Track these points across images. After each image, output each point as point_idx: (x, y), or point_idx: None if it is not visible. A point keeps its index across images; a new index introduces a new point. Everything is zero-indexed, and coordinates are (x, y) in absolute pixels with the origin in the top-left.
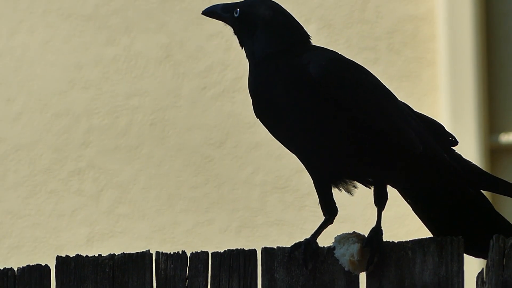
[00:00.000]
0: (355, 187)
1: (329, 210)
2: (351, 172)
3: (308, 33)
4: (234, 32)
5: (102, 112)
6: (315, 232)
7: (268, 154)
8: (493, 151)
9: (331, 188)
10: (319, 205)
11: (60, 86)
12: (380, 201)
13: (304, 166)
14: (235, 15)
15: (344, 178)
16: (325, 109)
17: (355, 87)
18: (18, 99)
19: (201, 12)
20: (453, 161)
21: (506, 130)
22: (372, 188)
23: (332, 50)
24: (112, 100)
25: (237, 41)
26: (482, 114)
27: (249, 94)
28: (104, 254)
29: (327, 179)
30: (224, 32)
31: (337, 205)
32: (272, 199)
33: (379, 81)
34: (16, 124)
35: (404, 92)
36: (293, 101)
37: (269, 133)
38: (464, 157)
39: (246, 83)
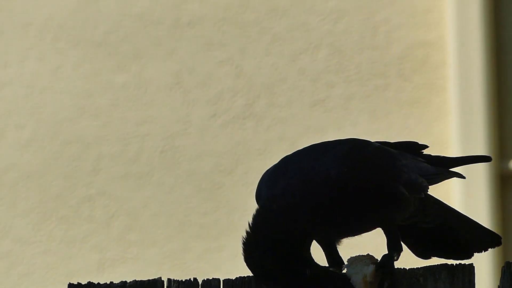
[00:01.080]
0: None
1: (336, 264)
2: (362, 232)
3: None
4: None
5: (112, 139)
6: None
7: None
8: (503, 177)
9: (336, 245)
10: (327, 262)
11: (70, 113)
12: (393, 249)
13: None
14: None
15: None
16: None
17: (367, 172)
18: (28, 126)
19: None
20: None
21: None
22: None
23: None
24: (122, 127)
25: None
26: (492, 140)
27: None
28: (115, 280)
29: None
30: (234, 58)
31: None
32: None
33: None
34: (26, 151)
35: (414, 118)
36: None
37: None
38: (430, 155)
39: (256, 110)
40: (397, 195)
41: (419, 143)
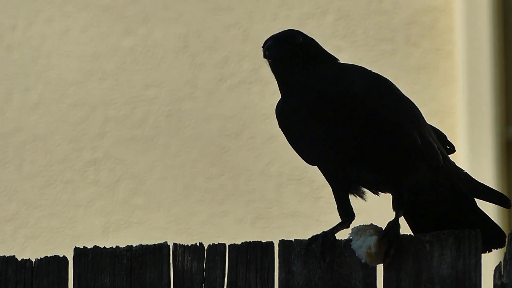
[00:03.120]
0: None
1: (347, 214)
2: (372, 181)
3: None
4: (290, 62)
5: (118, 102)
6: (333, 227)
7: (284, 146)
8: (510, 143)
9: (348, 195)
10: (337, 211)
11: (77, 76)
12: (398, 207)
13: (324, 175)
14: (298, 41)
15: (361, 187)
16: (365, 121)
17: (393, 101)
18: (35, 89)
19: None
20: (458, 171)
21: None
22: (379, 194)
23: (363, 67)
24: (129, 91)
25: (288, 71)
26: (499, 106)
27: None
28: (120, 244)
29: (346, 187)
30: (242, 22)
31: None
32: (288, 191)
33: (407, 97)
34: (33, 114)
35: (421, 84)
36: (335, 114)
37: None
38: (456, 165)
39: (263, 74)
40: (408, 137)
41: (447, 138)
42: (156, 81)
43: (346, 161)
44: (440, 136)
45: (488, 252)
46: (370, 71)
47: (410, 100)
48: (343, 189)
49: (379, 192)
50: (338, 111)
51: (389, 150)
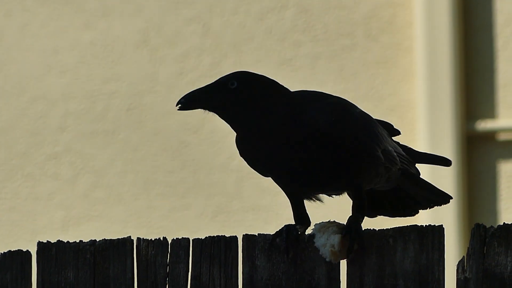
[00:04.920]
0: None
1: (303, 222)
2: (331, 191)
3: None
4: (229, 107)
5: (78, 96)
6: (294, 224)
7: None
8: (469, 137)
9: (303, 202)
10: (294, 218)
11: (37, 70)
12: (359, 207)
13: (280, 186)
14: (232, 87)
15: (318, 194)
16: (330, 152)
17: (357, 128)
18: None
19: (176, 106)
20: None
21: (482, 117)
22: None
23: (318, 94)
24: (89, 85)
25: (225, 114)
26: (459, 101)
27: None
28: (80, 238)
29: (301, 195)
30: (201, 16)
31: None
32: (248, 185)
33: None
34: None
35: (380, 79)
36: (300, 150)
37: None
38: (399, 142)
39: (223, 69)
40: (374, 158)
41: (394, 126)
42: (116, 75)
43: (307, 181)
44: (387, 127)
45: (430, 208)
46: (326, 97)
47: (368, 116)
48: (299, 197)
49: (334, 196)
50: (301, 147)
51: (352, 168)
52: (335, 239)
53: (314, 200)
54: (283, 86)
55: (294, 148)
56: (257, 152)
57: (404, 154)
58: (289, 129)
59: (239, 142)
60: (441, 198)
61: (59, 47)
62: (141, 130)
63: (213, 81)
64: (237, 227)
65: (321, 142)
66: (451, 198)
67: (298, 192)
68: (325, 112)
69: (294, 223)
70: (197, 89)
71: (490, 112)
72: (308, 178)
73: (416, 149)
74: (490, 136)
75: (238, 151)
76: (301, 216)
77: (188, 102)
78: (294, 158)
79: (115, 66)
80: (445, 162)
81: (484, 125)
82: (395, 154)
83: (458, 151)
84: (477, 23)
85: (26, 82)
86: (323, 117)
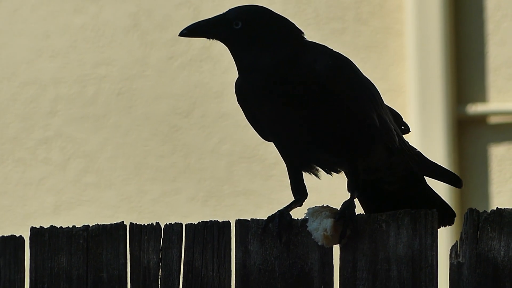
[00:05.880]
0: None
1: (300, 192)
2: (328, 161)
3: (300, 29)
4: (232, 45)
5: (69, 81)
6: (287, 206)
7: (235, 124)
8: (460, 121)
9: (302, 173)
10: (291, 188)
11: (27, 54)
12: (353, 188)
13: (280, 152)
14: (236, 27)
15: (316, 166)
16: (324, 101)
17: (353, 82)
18: None
19: (178, 34)
20: (412, 152)
21: (473, 100)
22: (332, 174)
23: (325, 46)
24: (80, 69)
25: (231, 53)
26: (449, 84)
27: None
28: (72, 222)
29: (300, 165)
30: (192, 1)
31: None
32: (239, 169)
33: (367, 77)
34: None
35: (371, 62)
36: (294, 94)
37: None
38: (411, 145)
39: (214, 53)
40: (368, 118)
41: (403, 119)
42: (106, 59)
43: (303, 140)
44: (396, 117)
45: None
46: (332, 50)
47: (370, 81)
48: (298, 167)
49: (332, 173)
50: (297, 91)
51: (347, 130)
52: (328, 223)
53: (310, 173)
54: (294, 28)
55: (289, 91)
56: (254, 94)
57: (407, 142)
58: (286, 69)
59: (239, 89)
60: (446, 214)
61: (49, 32)
62: (132, 115)
63: (220, 13)
64: (228, 212)
65: (316, 87)
66: (455, 216)
67: (296, 158)
68: (325, 57)
69: (286, 206)
70: (203, 20)
71: (480, 95)
72: (300, 130)
73: (428, 158)
74: (481, 119)
75: (236, 98)
76: (299, 187)
77: (192, 31)
78: (289, 103)
79: (105, 50)
80: (456, 181)
81: (475, 108)
82: (392, 127)
83: (449, 135)
84: (468, 7)
85: (17, 66)
86: (322, 61)
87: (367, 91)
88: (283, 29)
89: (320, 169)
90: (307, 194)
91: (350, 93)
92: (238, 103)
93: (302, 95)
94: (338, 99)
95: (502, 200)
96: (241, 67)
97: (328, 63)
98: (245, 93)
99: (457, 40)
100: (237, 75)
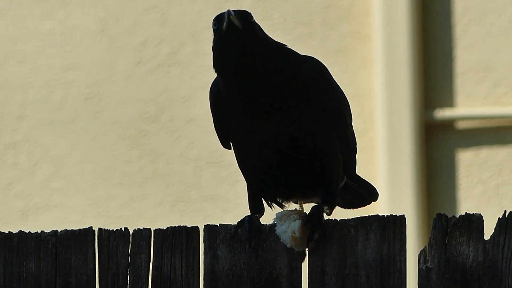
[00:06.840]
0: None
1: (258, 209)
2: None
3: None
4: (232, 44)
5: (37, 85)
6: (254, 214)
7: (202, 129)
8: (428, 126)
9: (261, 193)
10: (249, 206)
11: None
12: (327, 200)
13: (245, 171)
14: (252, 19)
15: (276, 197)
16: (308, 105)
17: (334, 88)
18: None
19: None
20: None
21: (440, 105)
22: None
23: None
24: (48, 74)
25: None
26: (417, 89)
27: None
28: (39, 227)
29: (261, 190)
30: (160, 6)
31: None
32: (207, 174)
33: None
34: None
35: (339, 67)
36: (278, 100)
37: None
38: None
39: (181, 58)
40: (345, 124)
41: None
42: (74, 64)
43: (277, 148)
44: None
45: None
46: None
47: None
48: (259, 191)
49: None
50: (281, 94)
51: (324, 137)
52: (296, 225)
53: (271, 205)
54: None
55: (273, 95)
56: (234, 99)
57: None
58: (271, 73)
59: (215, 93)
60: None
61: (17, 36)
62: (100, 119)
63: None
64: (195, 217)
65: (301, 91)
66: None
67: (260, 177)
68: (308, 63)
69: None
70: (233, 13)
71: (448, 100)
72: (277, 144)
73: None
74: (448, 124)
75: (209, 102)
76: (257, 204)
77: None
78: (271, 107)
79: (73, 55)
80: (372, 195)
81: (443, 113)
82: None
83: (417, 140)
84: (436, 11)
85: None
86: (306, 66)
87: (344, 98)
88: (265, 35)
89: (279, 200)
90: (264, 210)
91: (331, 97)
92: (211, 108)
93: (285, 99)
94: (320, 100)
95: (470, 205)
96: (220, 70)
97: (313, 69)
98: (222, 98)
99: (425, 45)
100: (208, 80)
